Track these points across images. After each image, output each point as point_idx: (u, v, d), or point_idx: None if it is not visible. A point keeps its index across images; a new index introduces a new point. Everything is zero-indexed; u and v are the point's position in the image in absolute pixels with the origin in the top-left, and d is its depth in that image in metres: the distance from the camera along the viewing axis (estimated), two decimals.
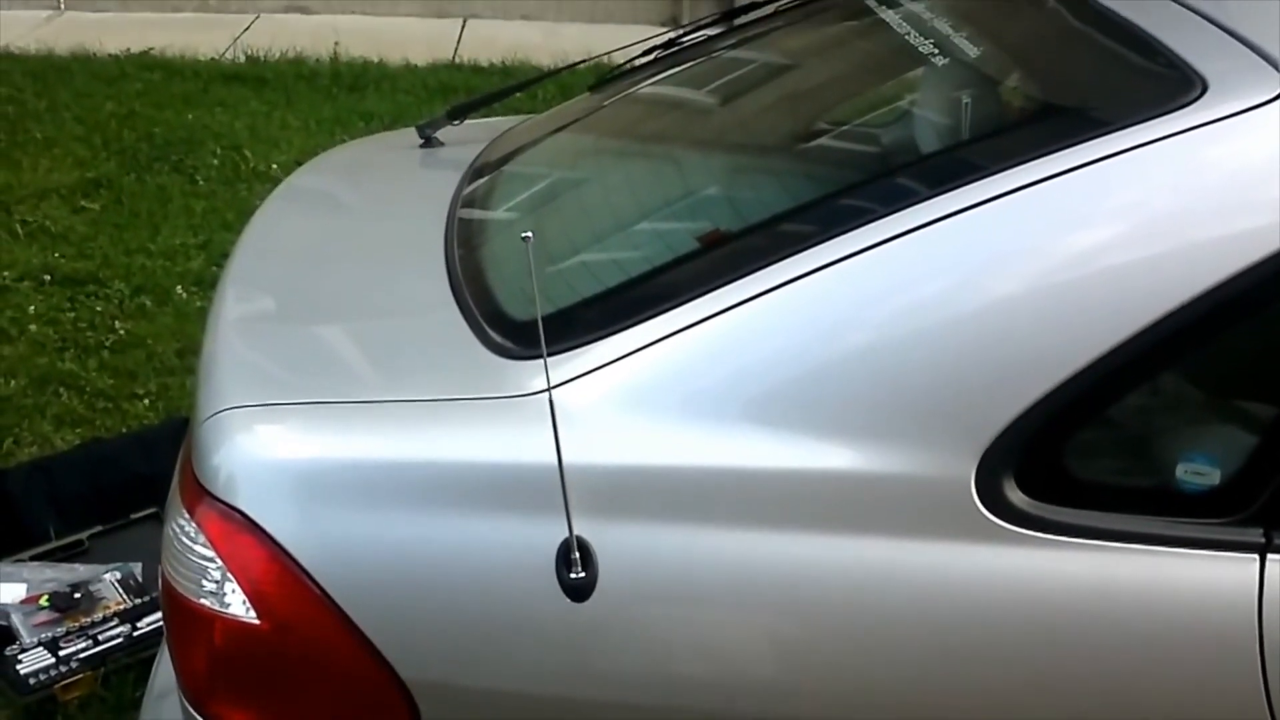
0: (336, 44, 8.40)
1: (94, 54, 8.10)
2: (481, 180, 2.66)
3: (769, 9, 2.95)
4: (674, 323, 1.77)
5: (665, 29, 9.23)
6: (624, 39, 8.73)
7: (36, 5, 9.23)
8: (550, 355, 1.73)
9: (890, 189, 1.96)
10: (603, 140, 2.89)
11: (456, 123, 2.94)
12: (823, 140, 2.44)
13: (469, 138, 2.92)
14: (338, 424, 1.81)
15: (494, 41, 8.66)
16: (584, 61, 3.47)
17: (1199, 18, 2.01)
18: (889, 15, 2.53)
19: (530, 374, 1.78)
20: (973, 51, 2.25)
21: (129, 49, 8.18)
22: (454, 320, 2.03)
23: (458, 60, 8.45)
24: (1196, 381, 1.91)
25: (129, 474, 3.74)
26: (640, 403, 1.74)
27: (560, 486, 1.65)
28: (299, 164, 6.30)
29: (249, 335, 2.15)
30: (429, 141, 2.94)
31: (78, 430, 4.20)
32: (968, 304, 1.74)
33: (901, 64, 2.46)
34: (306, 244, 2.52)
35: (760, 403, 1.73)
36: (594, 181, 2.66)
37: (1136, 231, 1.76)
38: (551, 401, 1.68)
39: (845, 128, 2.44)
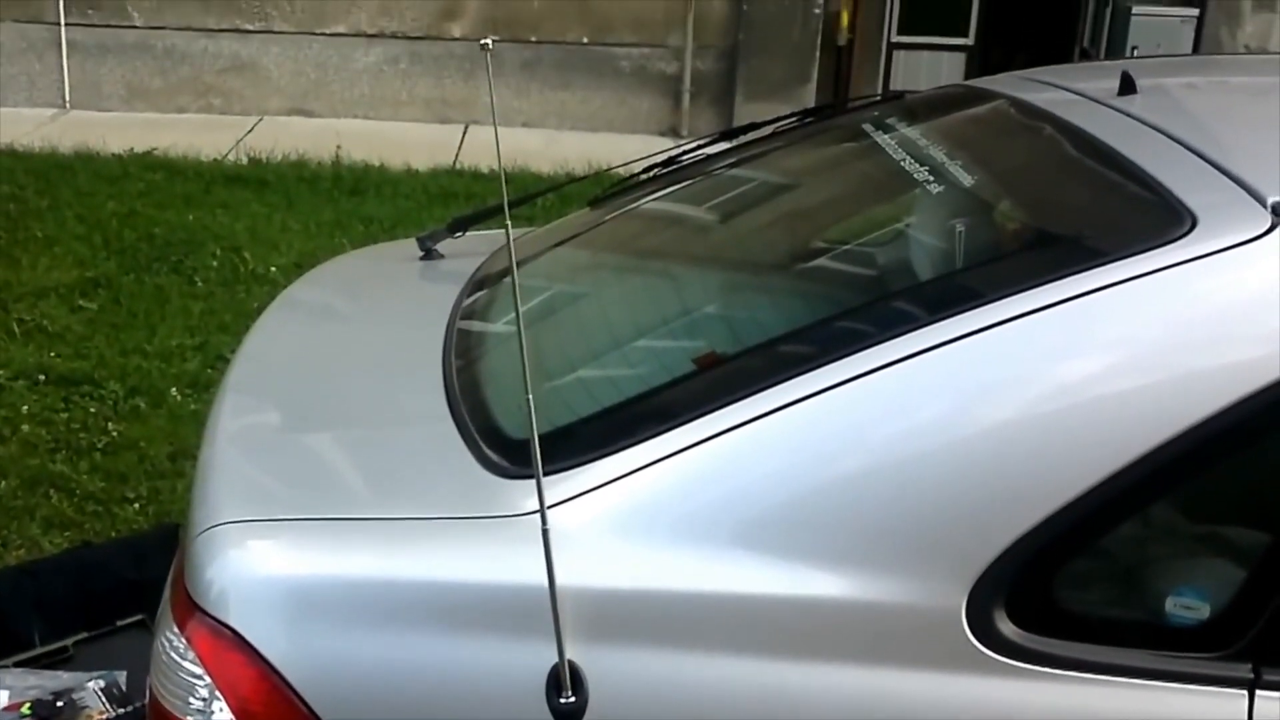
0: (338, 147, 8.52)
1: (97, 153, 8.23)
2: (481, 293, 2.70)
3: (767, 129, 3.01)
4: (668, 445, 1.80)
5: (664, 138, 9.40)
6: (623, 147, 8.87)
7: (42, 103, 9.38)
8: (544, 475, 1.75)
9: (884, 315, 2.00)
10: (602, 256, 2.94)
11: (458, 235, 2.99)
12: (819, 263, 2.49)
13: (469, 250, 2.96)
14: (331, 541, 1.82)
15: (494, 148, 8.76)
16: (584, 178, 3.53)
17: (1187, 151, 2.06)
18: (885, 140, 2.58)
19: (523, 494, 1.80)
20: (967, 180, 2.30)
21: (132, 148, 8.30)
22: (449, 436, 2.05)
23: (459, 166, 8.57)
24: (1187, 514, 1.93)
25: (117, 580, 3.72)
26: (633, 526, 1.76)
27: (552, 609, 1.66)
28: (298, 266, 6.40)
29: (245, 447, 2.17)
30: (429, 253, 2.99)
31: (67, 534, 4.20)
32: (960, 432, 1.77)
33: (897, 189, 2.51)
34: (305, 355, 2.55)
35: (752, 527, 1.75)
36: (593, 297, 2.70)
37: (1128, 364, 1.79)
38: (544, 523, 1.70)
39: (841, 251, 2.49)
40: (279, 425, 2.28)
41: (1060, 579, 1.80)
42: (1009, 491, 1.73)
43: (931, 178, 2.33)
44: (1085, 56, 10.00)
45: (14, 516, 4.27)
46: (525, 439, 1.76)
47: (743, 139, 3.06)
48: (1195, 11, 9.53)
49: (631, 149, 8.82)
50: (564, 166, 8.43)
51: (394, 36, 9.42)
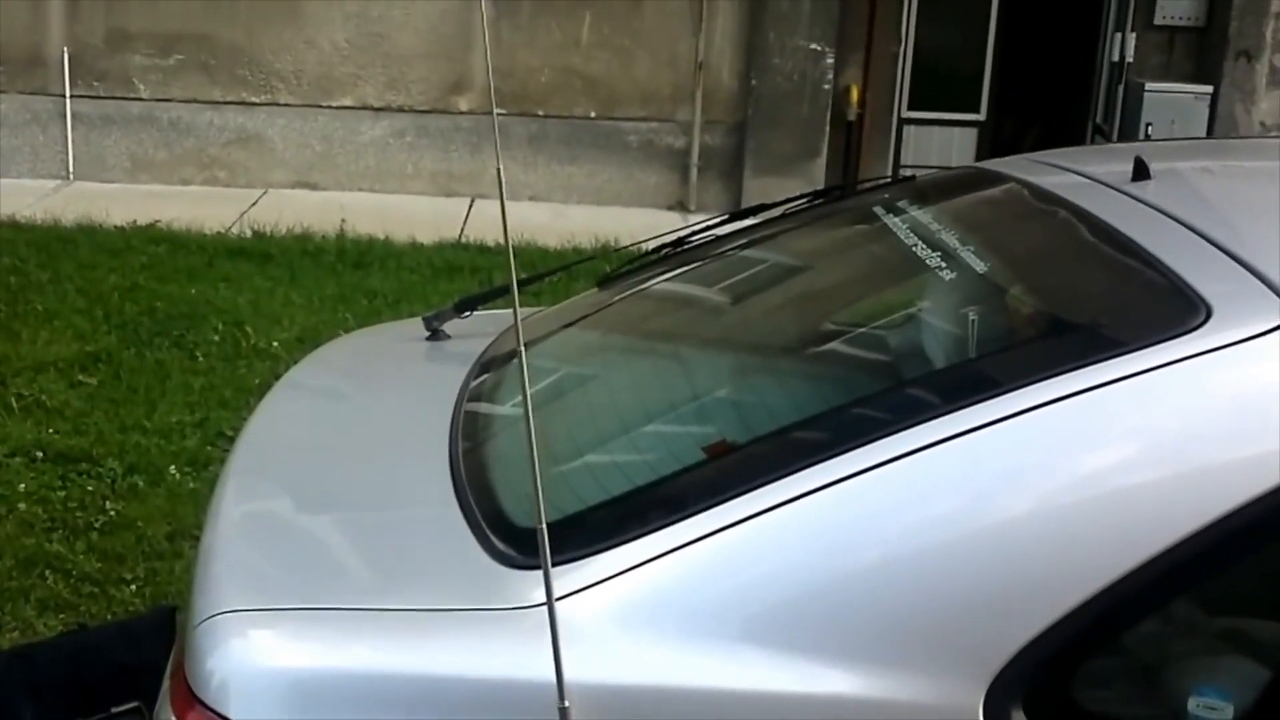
0: (343, 220, 8.58)
1: (100, 225, 8.29)
2: (488, 374, 2.71)
3: (777, 211, 3.04)
4: (678, 537, 1.80)
5: (672, 212, 9.46)
6: (631, 222, 8.93)
7: (45, 175, 9.46)
8: (551, 565, 1.75)
9: (897, 405, 2.00)
10: (611, 337, 2.95)
11: (465, 315, 3.01)
12: (830, 349, 2.50)
13: (476, 330, 2.98)
14: (333, 632, 1.82)
15: (501, 221, 8.81)
16: (592, 257, 3.54)
17: (1201, 239, 2.07)
18: (896, 223, 2.60)
19: (530, 585, 1.80)
20: (980, 266, 2.31)
21: (135, 221, 8.37)
22: (455, 523, 2.05)
23: (464, 239, 8.62)
24: (1209, 610, 1.92)
25: (112, 664, 3.70)
26: (642, 620, 1.76)
27: (559, 705, 1.66)
28: (300, 341, 6.43)
29: (248, 532, 2.17)
30: (435, 334, 3.00)
31: (62, 616, 4.18)
32: (974, 526, 1.77)
33: (909, 275, 2.52)
34: (310, 438, 2.56)
35: (762, 622, 1.75)
36: (602, 380, 2.71)
37: (1146, 457, 1.79)
38: (552, 616, 1.69)
39: (853, 338, 2.50)
40: (283, 510, 2.29)
41: (1079, 677, 1.79)
42: (1026, 587, 1.73)
43: (944, 263, 2.34)
44: (1098, 133, 10.07)
45: (8, 598, 4.26)
46: (533, 528, 1.76)
47: (752, 220, 3.08)
48: (1209, 89, 9.60)
49: (639, 223, 8.92)
50: (571, 241, 8.48)
51: (400, 110, 9.51)
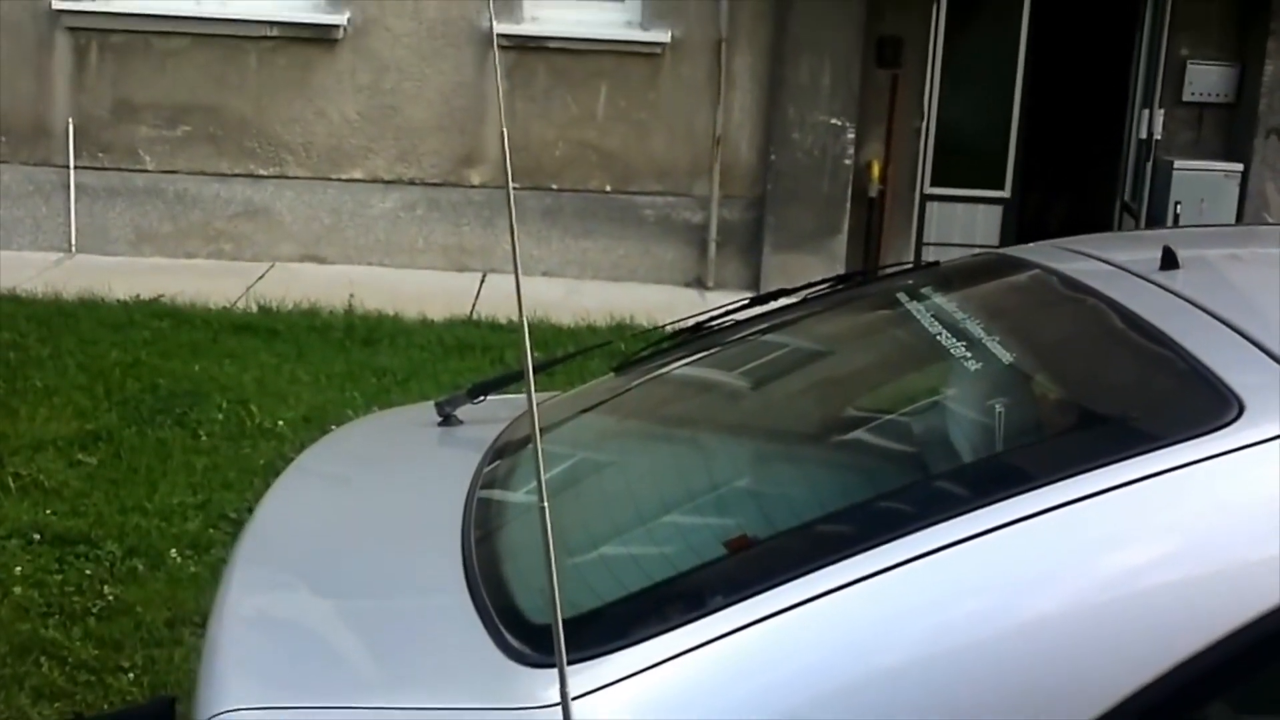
0: (351, 295, 8.64)
1: (102, 299, 8.35)
2: (502, 461, 2.73)
3: (796, 296, 3.07)
4: (697, 635, 1.81)
5: (689, 288, 9.51)
6: (647, 298, 8.97)
7: (47, 247, 9.55)
8: (567, 664, 1.76)
9: (922, 500, 2.02)
10: (629, 424, 2.97)
11: (478, 401, 3.03)
12: (853, 441, 2.52)
13: (489, 416, 3.00)
14: None
15: (513, 297, 8.84)
16: (608, 342, 3.57)
17: (1232, 331, 2.10)
18: (919, 310, 2.63)
19: (544, 683, 1.81)
20: (1006, 357, 2.33)
21: (139, 295, 8.43)
22: (468, 617, 2.07)
23: (475, 316, 8.66)
24: (1243, 713, 1.92)
25: None
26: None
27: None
28: (306, 420, 6.46)
29: (255, 625, 2.19)
30: (448, 419, 3.02)
31: (57, 704, 4.18)
32: (1001, 626, 1.77)
33: (934, 365, 2.55)
34: (319, 526, 2.58)
35: None
36: (618, 469, 2.73)
37: (1176, 556, 1.80)
38: (567, 717, 1.70)
39: (876, 429, 2.52)
40: (291, 601, 2.30)
41: None
42: (1055, 689, 1.73)
43: (970, 353, 2.37)
44: (1126, 210, 10.12)
45: (2, 686, 4.26)
46: (548, 624, 1.77)
47: (772, 305, 3.11)
48: (1239, 167, 9.65)
49: (655, 300, 8.97)
50: (585, 318, 8.53)
51: (412, 183, 9.60)
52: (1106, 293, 2.41)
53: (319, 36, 9.42)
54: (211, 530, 5.30)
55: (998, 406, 2.22)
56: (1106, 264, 2.63)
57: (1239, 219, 9.68)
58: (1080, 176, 11.22)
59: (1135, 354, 2.20)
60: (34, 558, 5.07)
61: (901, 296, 2.76)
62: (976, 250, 9.51)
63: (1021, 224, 10.15)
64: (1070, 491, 1.81)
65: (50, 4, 9.30)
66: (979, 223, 9.99)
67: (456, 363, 7.60)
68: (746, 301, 3.11)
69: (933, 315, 2.57)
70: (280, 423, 6.46)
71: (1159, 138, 9.79)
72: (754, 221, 9.66)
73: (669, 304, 8.97)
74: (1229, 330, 2.10)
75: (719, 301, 9.25)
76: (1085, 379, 2.31)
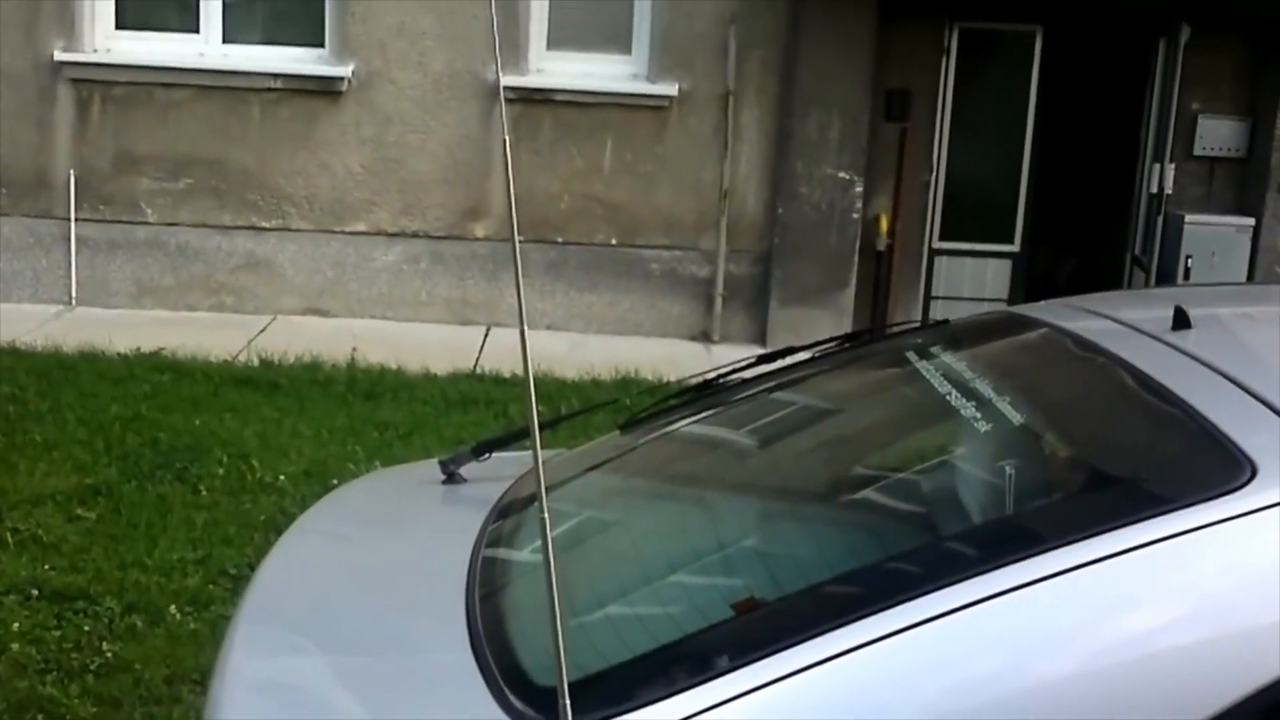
0: (354, 349, 8.66)
1: (103, 352, 8.37)
2: (506, 520, 2.74)
3: (804, 355, 3.08)
4: (704, 699, 1.82)
5: (695, 342, 9.53)
6: (652, 352, 8.98)
7: (47, 300, 9.59)
8: None
9: (933, 562, 2.03)
10: (634, 482, 2.98)
11: (483, 459, 3.05)
12: (862, 502, 2.53)
13: (494, 474, 3.01)
14: None
15: (518, 351, 8.84)
16: (614, 400, 3.59)
17: (1245, 393, 2.11)
18: (929, 370, 2.64)
19: None
20: (1016, 417, 2.35)
21: (139, 348, 8.45)
22: (471, 678, 2.07)
23: (479, 370, 8.67)
24: None
25: None
26: None
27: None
28: (308, 475, 6.47)
29: (257, 686, 2.20)
30: (452, 477, 3.04)
31: None
32: (1013, 689, 1.78)
33: (944, 425, 2.56)
34: (322, 586, 2.59)
35: None
36: (624, 528, 2.74)
37: (1188, 620, 1.81)
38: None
39: (886, 490, 2.53)
40: (294, 661, 2.31)
41: None
42: None
43: (980, 413, 2.38)
44: (1137, 264, 10.15)
45: None
46: (552, 685, 1.78)
47: (780, 363, 3.13)
48: (1251, 221, 9.69)
49: (661, 354, 8.99)
50: (590, 371, 8.54)
51: (415, 236, 9.65)
52: (1118, 352, 2.43)
53: (323, 89, 9.49)
54: (211, 586, 5.30)
55: (1008, 468, 2.23)
56: (1118, 323, 2.65)
57: (1251, 273, 9.71)
58: (1091, 230, 11.26)
59: (1147, 415, 2.22)
60: (32, 614, 5.07)
61: (911, 355, 2.77)
62: (987, 309, 9.58)
63: (1031, 278, 10.18)
64: (1081, 555, 1.83)
65: (52, 55, 9.39)
66: (988, 277, 10.02)
67: (460, 417, 7.61)
68: (754, 360, 3.13)
69: (942, 374, 2.59)
70: (281, 477, 6.47)
71: (1170, 192, 9.82)
72: (761, 275, 9.69)
73: (674, 358, 8.99)
74: (1241, 391, 2.12)
75: (725, 355, 9.27)
76: (1096, 440, 2.33)
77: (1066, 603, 1.82)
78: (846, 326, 9.62)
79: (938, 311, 9.96)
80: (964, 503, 2.31)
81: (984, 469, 2.34)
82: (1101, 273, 10.73)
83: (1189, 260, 9.64)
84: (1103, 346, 2.49)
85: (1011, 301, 9.99)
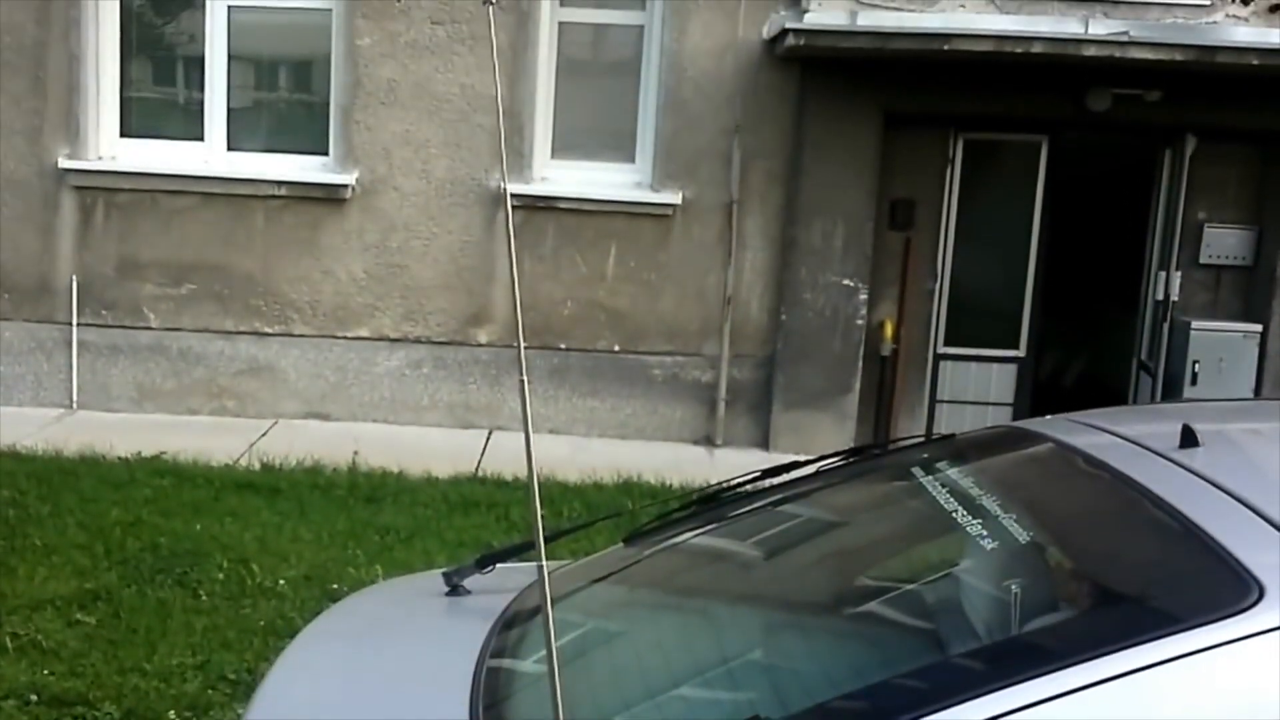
0: (356, 453, 8.68)
1: (103, 456, 8.39)
2: (512, 630, 2.75)
3: (810, 469, 3.10)
4: None
5: (698, 446, 9.55)
6: (655, 456, 8.99)
7: (48, 403, 9.63)
8: None
9: (937, 682, 2.04)
10: (638, 594, 2.99)
11: (486, 571, 3.06)
12: (867, 619, 2.53)
13: (497, 586, 3.02)
14: None
15: (520, 454, 8.83)
16: (619, 514, 3.59)
17: (1253, 514, 2.13)
18: (934, 485, 2.66)
19: None
20: (1022, 536, 2.36)
21: (140, 452, 8.47)
22: None
23: (481, 473, 8.68)
24: None
25: None
26: None
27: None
28: (308, 579, 6.46)
29: None
30: (455, 589, 3.04)
31: None
32: None
33: (949, 543, 2.57)
34: (326, 698, 2.59)
35: None
36: (629, 641, 2.74)
37: None
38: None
39: (890, 607, 2.53)
40: None
41: None
42: None
43: (985, 531, 2.40)
44: (1143, 370, 10.18)
45: None
46: None
47: (784, 477, 3.15)
48: (1259, 327, 9.74)
49: (663, 458, 9.01)
50: (592, 475, 8.55)
51: (418, 341, 9.70)
52: (1125, 470, 2.44)
53: (327, 196, 9.59)
54: (211, 691, 5.28)
55: (1014, 586, 2.24)
56: (1125, 440, 2.66)
57: (1259, 378, 9.73)
58: (1097, 336, 11.31)
59: (1154, 535, 2.23)
60: None
61: (916, 470, 2.79)
62: (991, 414, 9.60)
63: (1037, 383, 10.22)
64: (1087, 675, 1.84)
65: (57, 163, 9.51)
66: (993, 381, 10.05)
67: (461, 520, 7.61)
68: (758, 474, 3.15)
69: (948, 490, 2.61)
70: (281, 582, 6.45)
71: (1176, 299, 9.89)
72: (764, 380, 9.73)
73: (677, 462, 9.01)
74: (1249, 512, 2.13)
75: (728, 459, 9.27)
76: (1102, 560, 2.34)
77: None
78: (850, 431, 9.64)
79: (942, 415, 9.98)
80: (970, 622, 2.31)
81: (990, 587, 2.35)
82: (1107, 378, 10.76)
83: (1196, 365, 9.68)
84: (1109, 464, 2.51)
85: (1016, 405, 10.03)
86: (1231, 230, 9.92)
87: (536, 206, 9.52)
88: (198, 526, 7.19)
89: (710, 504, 3.12)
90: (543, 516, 2.38)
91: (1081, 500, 2.57)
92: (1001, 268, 9.97)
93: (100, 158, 9.61)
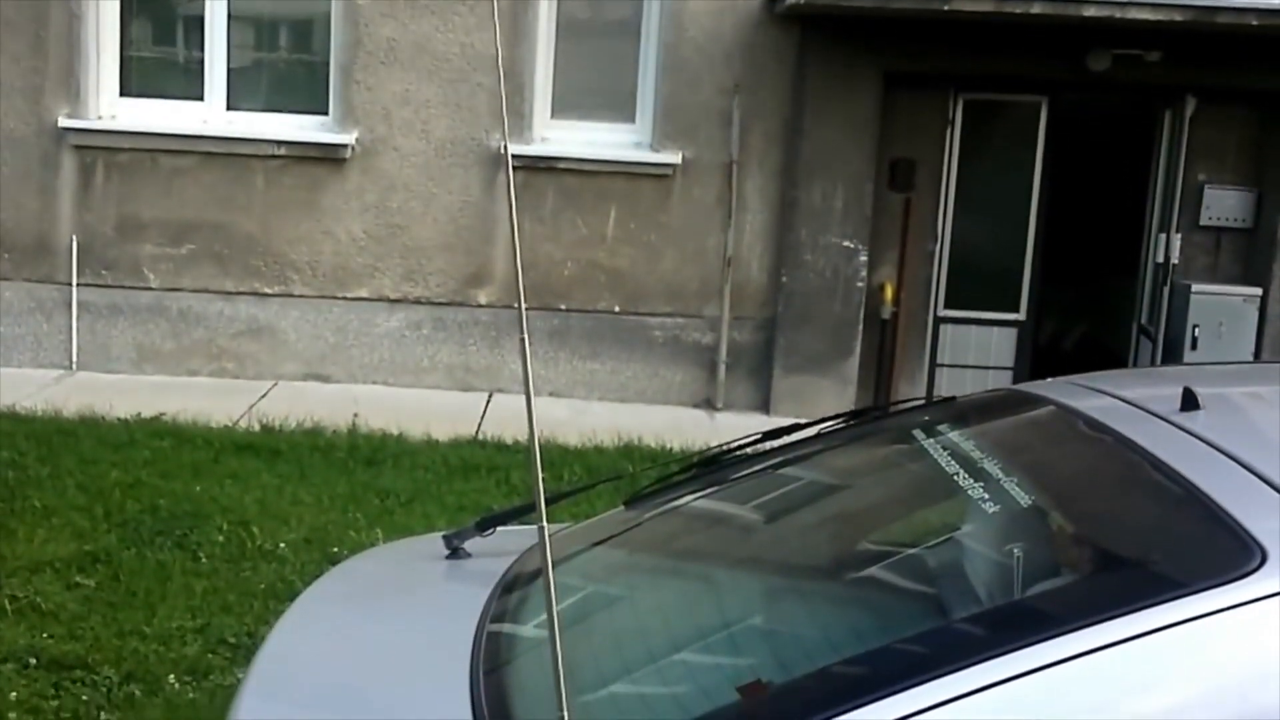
0: (355, 415, 8.67)
1: (103, 417, 8.38)
2: (512, 594, 2.75)
3: (811, 432, 3.10)
4: None
5: (699, 409, 9.55)
6: (655, 419, 8.99)
7: (47, 364, 9.62)
8: None
9: (942, 646, 2.04)
10: (639, 558, 2.99)
11: (487, 534, 3.06)
12: (869, 583, 2.53)
13: (498, 549, 3.02)
14: None
15: (520, 417, 8.85)
16: (619, 477, 3.59)
17: (1256, 477, 2.12)
18: (935, 448, 2.65)
19: None
20: (1024, 499, 2.36)
21: (140, 413, 8.46)
22: None
23: (481, 436, 8.68)
24: None
25: None
26: None
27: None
28: (308, 542, 6.47)
29: None
30: (456, 552, 3.04)
31: None
32: None
33: (951, 506, 2.57)
34: (326, 662, 2.59)
35: None
36: (629, 604, 2.74)
37: (1200, 706, 1.81)
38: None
39: (892, 571, 2.53)
40: None
41: None
42: None
43: (987, 494, 2.39)
44: (1144, 334, 10.17)
45: None
46: None
47: (785, 439, 3.14)
48: (1258, 291, 9.71)
49: (663, 421, 9.01)
50: (592, 438, 8.55)
51: (418, 302, 9.69)
52: (1126, 434, 2.44)
53: (327, 156, 9.56)
54: (210, 655, 5.29)
55: (1016, 550, 2.24)
56: (1126, 403, 2.65)
57: (1259, 342, 9.72)
58: (1097, 299, 11.29)
59: (1156, 498, 2.23)
60: (30, 683, 5.05)
61: (918, 433, 2.78)
62: (991, 377, 9.60)
63: (1037, 346, 10.21)
64: (1090, 640, 1.83)
65: (57, 122, 9.47)
66: (994, 345, 10.04)
67: (461, 484, 7.61)
68: (759, 436, 3.14)
69: (949, 454, 2.60)
70: (281, 545, 6.45)
71: (1176, 261, 9.87)
72: (764, 343, 9.72)
73: (677, 425, 9.01)
74: (1251, 475, 2.13)
75: (728, 423, 9.27)
76: (1105, 523, 2.33)
77: (1075, 688, 1.82)
78: (851, 394, 9.64)
79: (942, 379, 9.98)
80: (973, 586, 2.31)
81: (992, 551, 2.34)
82: (1107, 342, 10.75)
83: (1196, 329, 9.67)
84: (1111, 427, 2.50)
85: (1017, 369, 10.02)
86: (1231, 191, 9.89)
87: (536, 167, 9.49)
88: (197, 488, 7.18)
89: (711, 467, 3.11)
90: (543, 479, 2.37)
91: (1083, 463, 2.57)
92: (1001, 229, 9.95)
93: (100, 117, 9.57)
